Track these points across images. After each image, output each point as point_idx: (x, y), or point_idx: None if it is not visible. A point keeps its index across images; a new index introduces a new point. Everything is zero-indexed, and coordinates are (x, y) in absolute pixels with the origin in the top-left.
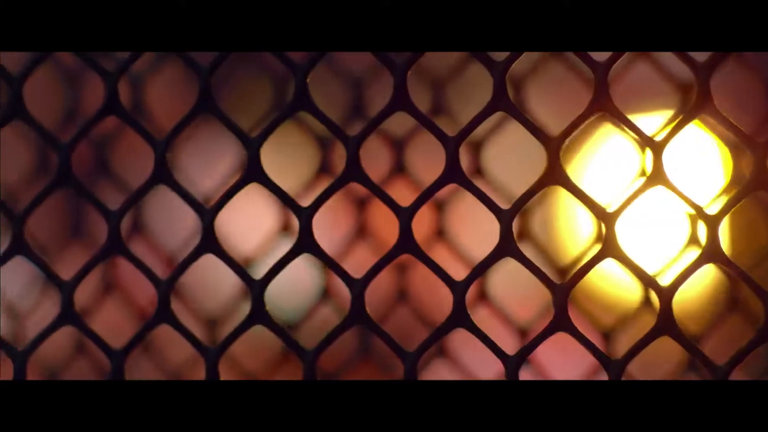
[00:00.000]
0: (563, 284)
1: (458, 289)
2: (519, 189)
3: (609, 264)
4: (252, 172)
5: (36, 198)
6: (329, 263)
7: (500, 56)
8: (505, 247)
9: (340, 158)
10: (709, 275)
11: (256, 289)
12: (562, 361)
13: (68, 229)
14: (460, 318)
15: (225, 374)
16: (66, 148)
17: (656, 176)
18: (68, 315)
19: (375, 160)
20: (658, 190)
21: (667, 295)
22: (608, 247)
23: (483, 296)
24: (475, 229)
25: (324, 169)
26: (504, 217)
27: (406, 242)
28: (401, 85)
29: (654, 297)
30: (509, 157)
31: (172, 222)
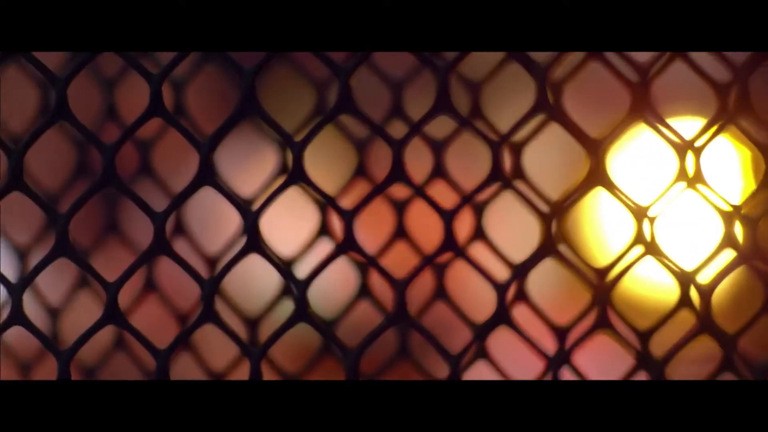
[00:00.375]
0: (605, 284)
1: (501, 289)
2: (552, 190)
3: (644, 265)
4: (296, 174)
5: (80, 199)
6: (372, 263)
7: (540, 57)
8: (547, 248)
9: (375, 160)
10: (744, 275)
11: (300, 288)
12: (600, 361)
13: (103, 229)
14: (502, 318)
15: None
16: (111, 149)
17: (696, 179)
18: (113, 315)
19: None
20: (697, 191)
21: (707, 293)
22: (648, 247)
23: (522, 296)
24: (512, 231)
25: (361, 171)
26: (547, 219)
27: (450, 243)
28: (444, 88)
29: (692, 297)
30: (546, 159)
31: (212, 223)
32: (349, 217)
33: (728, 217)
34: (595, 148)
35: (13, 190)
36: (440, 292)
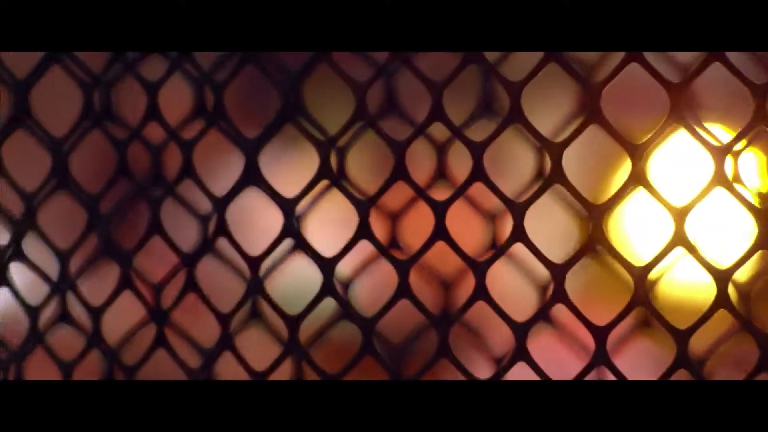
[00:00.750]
0: (645, 284)
1: (540, 288)
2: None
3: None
4: (336, 176)
5: (124, 198)
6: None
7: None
8: (588, 248)
9: (410, 160)
10: None
11: (343, 288)
12: (638, 361)
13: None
14: (542, 317)
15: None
16: (157, 150)
17: (734, 181)
18: (157, 314)
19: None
20: (734, 193)
21: (744, 292)
22: (688, 247)
23: (561, 297)
24: (550, 232)
25: (399, 173)
26: (591, 218)
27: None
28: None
29: (730, 295)
30: (585, 161)
31: (252, 224)
32: (392, 218)
33: (764, 218)
34: (636, 153)
35: (59, 189)
36: (481, 292)
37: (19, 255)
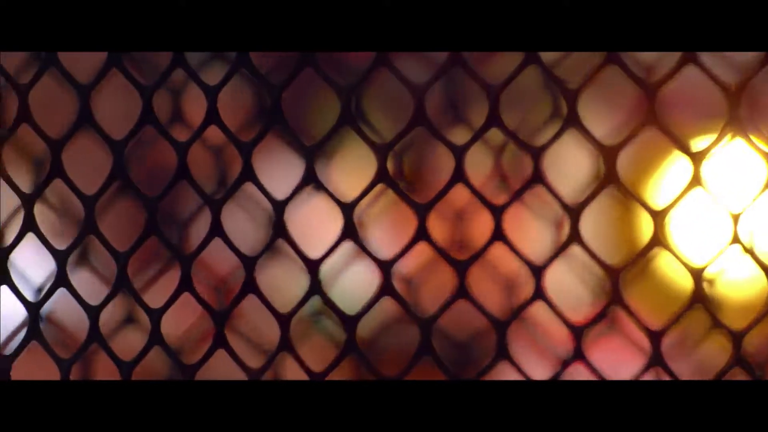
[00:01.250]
0: (703, 284)
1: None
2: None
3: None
4: (390, 178)
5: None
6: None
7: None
8: (656, 242)
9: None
10: None
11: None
12: (690, 361)
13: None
14: (600, 318)
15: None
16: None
17: None
18: (215, 315)
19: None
20: None
21: None
22: (745, 247)
23: (618, 299)
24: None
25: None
26: (654, 218)
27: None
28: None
29: None
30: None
31: (311, 226)
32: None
33: None
34: (697, 158)
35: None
36: (539, 294)
37: (83, 258)
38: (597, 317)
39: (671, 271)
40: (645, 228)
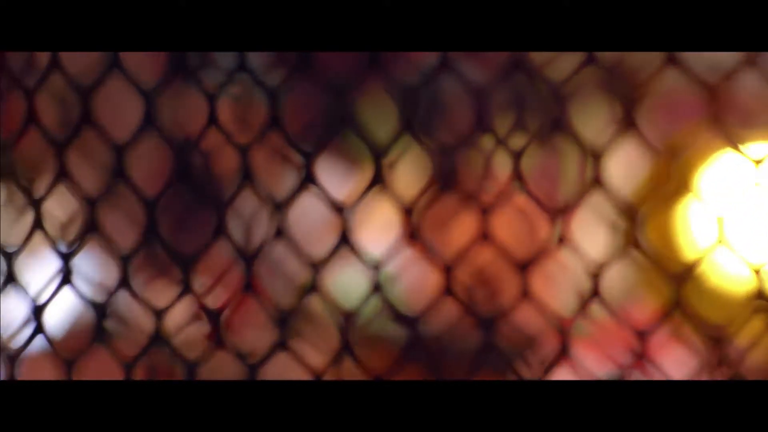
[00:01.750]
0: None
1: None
2: None
3: None
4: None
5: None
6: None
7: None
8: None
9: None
10: None
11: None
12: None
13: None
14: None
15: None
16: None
17: None
18: (279, 318)
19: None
20: None
21: None
22: None
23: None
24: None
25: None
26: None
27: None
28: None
29: None
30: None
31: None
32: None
33: None
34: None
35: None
36: (597, 297)
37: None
38: (659, 321)
39: (730, 272)
40: (705, 230)
